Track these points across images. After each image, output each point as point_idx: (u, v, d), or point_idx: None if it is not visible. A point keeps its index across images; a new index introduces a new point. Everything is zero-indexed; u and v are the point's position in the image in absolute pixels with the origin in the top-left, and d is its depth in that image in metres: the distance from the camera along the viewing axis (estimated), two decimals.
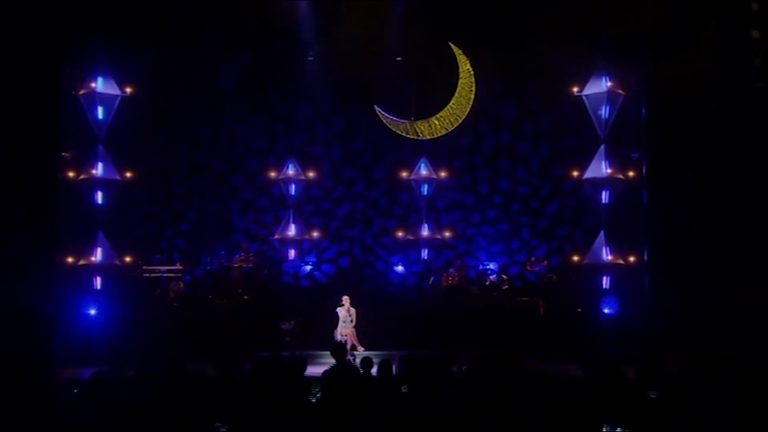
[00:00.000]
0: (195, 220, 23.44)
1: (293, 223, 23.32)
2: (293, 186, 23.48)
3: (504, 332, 19.58)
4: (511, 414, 8.23)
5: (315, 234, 23.41)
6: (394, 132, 22.96)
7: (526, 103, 23.47)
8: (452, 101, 22.30)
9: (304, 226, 23.41)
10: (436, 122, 22.42)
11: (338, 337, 18.20)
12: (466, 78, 22.07)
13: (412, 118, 22.63)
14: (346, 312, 18.43)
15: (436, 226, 23.55)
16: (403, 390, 9.74)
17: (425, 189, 23.49)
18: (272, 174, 23.34)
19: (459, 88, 22.21)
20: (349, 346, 18.06)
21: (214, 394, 9.30)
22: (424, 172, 23.41)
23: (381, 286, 22.56)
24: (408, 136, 22.74)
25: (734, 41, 19.97)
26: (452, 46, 22.12)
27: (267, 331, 19.50)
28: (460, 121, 22.40)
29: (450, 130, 22.57)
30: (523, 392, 8.61)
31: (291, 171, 23.35)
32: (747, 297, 18.67)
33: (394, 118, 22.58)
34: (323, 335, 18.25)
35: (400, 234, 23.48)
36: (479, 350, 17.64)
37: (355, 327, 18.42)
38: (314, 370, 11.41)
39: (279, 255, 23.25)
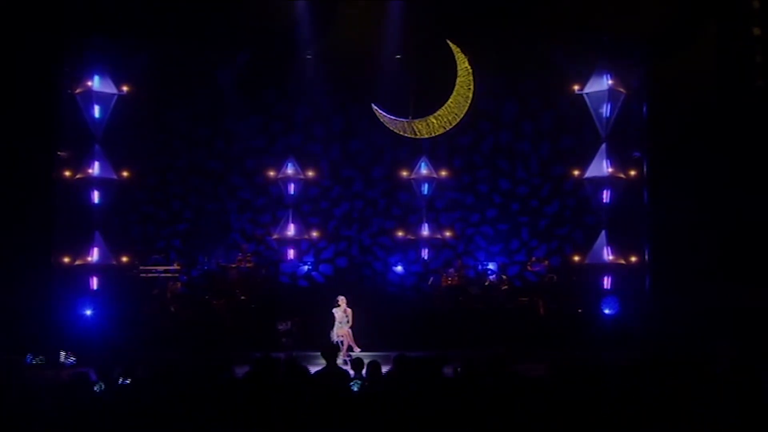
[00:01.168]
0: (192, 220, 23.26)
1: (292, 222, 23.12)
2: (292, 185, 23.30)
3: (504, 333, 19.46)
4: (497, 416, 8.12)
5: (315, 234, 23.21)
6: (393, 131, 22.75)
7: (526, 102, 23.29)
8: (450, 100, 22.10)
9: (303, 225, 23.22)
10: (434, 121, 22.23)
11: (334, 338, 18.03)
12: (464, 76, 21.88)
13: (410, 117, 22.45)
14: (342, 313, 18.23)
15: (436, 225, 23.36)
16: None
17: (425, 188, 23.33)
18: (271, 173, 23.14)
19: (457, 87, 22.01)
20: (345, 347, 17.93)
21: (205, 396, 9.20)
22: (424, 171, 23.27)
23: (380, 286, 22.32)
24: (406, 135, 22.54)
25: (735, 39, 19.81)
26: (450, 44, 21.93)
27: (264, 332, 19.42)
28: (459, 119, 22.21)
29: (448, 129, 22.37)
30: (508, 394, 8.48)
31: (290, 170, 23.19)
32: (748, 297, 18.51)
33: (392, 117, 22.40)
34: (320, 336, 18.09)
35: (400, 234, 23.30)
36: (479, 351, 17.62)
37: (351, 328, 18.24)
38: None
39: (276, 255, 23.07)
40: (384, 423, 8.50)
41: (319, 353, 15.15)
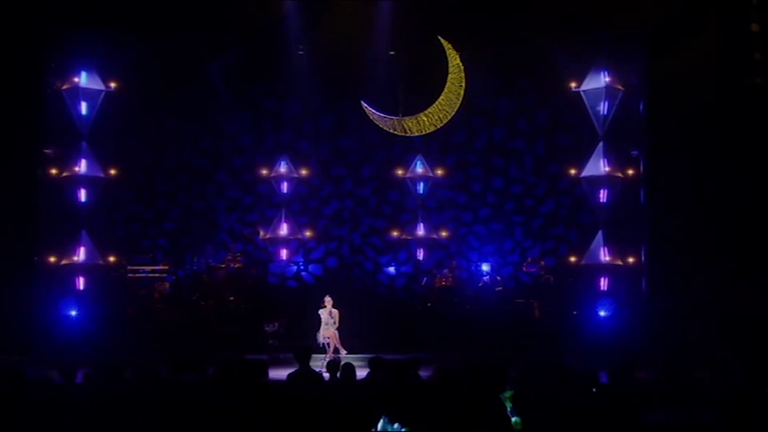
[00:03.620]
0: (180, 219, 22.89)
1: (285, 221, 22.71)
2: (285, 184, 22.87)
3: (498, 335, 19.09)
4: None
5: (308, 233, 22.80)
6: (383, 128, 22.30)
7: (522, 99, 22.90)
8: (441, 97, 21.58)
9: (296, 224, 22.82)
10: (425, 118, 21.73)
11: (320, 340, 17.71)
12: (455, 73, 21.39)
13: (400, 115, 21.99)
14: (328, 314, 17.87)
15: (432, 225, 22.93)
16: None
17: (421, 187, 22.94)
18: (264, 171, 22.74)
19: (448, 84, 21.51)
20: (331, 349, 17.60)
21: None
22: (419, 170, 22.87)
23: (369, 287, 21.97)
24: (395, 132, 22.07)
25: (736, 35, 19.40)
26: (442, 40, 21.49)
27: (252, 333, 19.12)
28: (450, 117, 21.74)
29: (439, 127, 21.91)
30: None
31: (283, 168, 22.77)
32: (747, 299, 18.14)
33: (382, 114, 21.94)
34: (308, 337, 17.79)
35: (394, 234, 22.87)
36: (471, 353, 17.38)
37: (338, 329, 17.86)
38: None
39: (265, 255, 22.67)
40: (356, 425, 8.22)
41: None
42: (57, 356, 16.24)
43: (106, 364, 10.24)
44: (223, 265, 21.53)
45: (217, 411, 8.58)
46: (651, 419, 7.02)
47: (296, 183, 22.93)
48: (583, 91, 21.43)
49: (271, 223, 22.81)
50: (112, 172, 21.39)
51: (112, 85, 21.14)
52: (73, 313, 19.90)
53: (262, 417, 8.58)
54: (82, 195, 20.99)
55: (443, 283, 21.58)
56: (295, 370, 10.92)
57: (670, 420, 7.03)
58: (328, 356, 17.18)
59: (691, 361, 10.71)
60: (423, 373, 10.60)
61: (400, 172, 22.90)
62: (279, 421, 8.51)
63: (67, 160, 20.93)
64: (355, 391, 9.75)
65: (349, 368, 10.43)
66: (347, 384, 10.33)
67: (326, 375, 11.36)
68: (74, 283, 20.59)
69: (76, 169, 20.90)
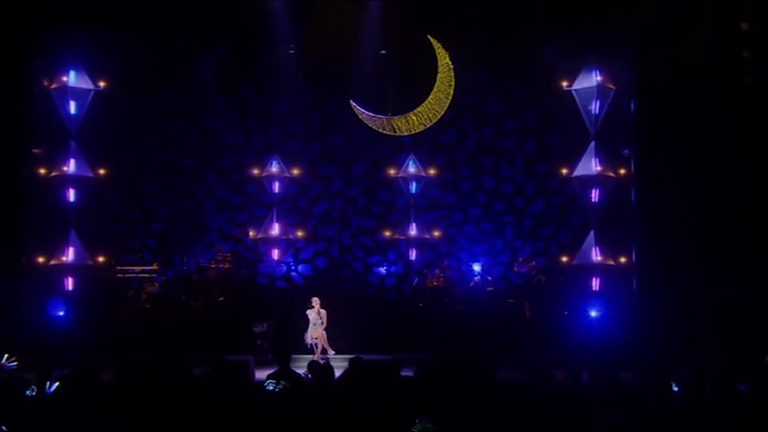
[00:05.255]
0: (169, 219, 22.73)
1: (276, 221, 22.59)
2: (277, 183, 22.73)
3: (489, 336, 18.96)
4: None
5: (299, 233, 22.66)
6: (372, 128, 22.20)
7: (512, 98, 22.76)
8: (430, 96, 21.56)
9: (286, 224, 22.71)
10: (414, 118, 21.67)
11: (308, 340, 17.67)
12: (445, 72, 21.35)
13: (389, 114, 21.91)
14: (316, 314, 17.82)
15: (425, 225, 22.81)
16: None
17: (413, 187, 22.78)
18: (255, 171, 22.60)
19: (438, 83, 21.48)
20: (319, 350, 17.54)
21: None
22: (412, 169, 22.70)
23: (359, 287, 21.93)
24: (385, 131, 21.97)
25: (726, 34, 19.30)
26: (431, 39, 21.42)
27: (240, 334, 19.01)
28: (439, 116, 21.69)
29: (428, 126, 21.83)
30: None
31: (275, 168, 22.64)
32: (740, 299, 18.02)
33: (371, 114, 21.87)
34: (297, 338, 17.74)
35: (386, 233, 22.74)
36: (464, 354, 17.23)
37: (326, 330, 17.79)
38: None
39: (255, 255, 22.56)
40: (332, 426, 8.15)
41: (297, 356, 14.93)
42: (45, 358, 16.09)
43: (85, 366, 10.13)
44: (212, 266, 21.38)
45: (198, 411, 8.54)
46: (599, 420, 6.92)
47: (287, 183, 22.77)
48: (575, 89, 21.40)
49: (260, 223, 22.66)
50: (101, 171, 21.32)
51: (101, 84, 21.10)
52: (61, 313, 19.79)
53: (241, 417, 8.53)
54: (71, 195, 20.95)
55: (434, 284, 21.44)
56: (275, 371, 10.85)
57: (617, 420, 6.94)
58: (316, 357, 17.12)
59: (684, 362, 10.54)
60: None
61: (391, 171, 22.73)
62: (255, 421, 8.47)
63: (55, 159, 20.87)
64: (331, 392, 9.69)
65: (328, 369, 10.37)
66: (324, 384, 10.26)
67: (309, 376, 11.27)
68: (63, 284, 20.55)
69: (65, 168, 20.86)
